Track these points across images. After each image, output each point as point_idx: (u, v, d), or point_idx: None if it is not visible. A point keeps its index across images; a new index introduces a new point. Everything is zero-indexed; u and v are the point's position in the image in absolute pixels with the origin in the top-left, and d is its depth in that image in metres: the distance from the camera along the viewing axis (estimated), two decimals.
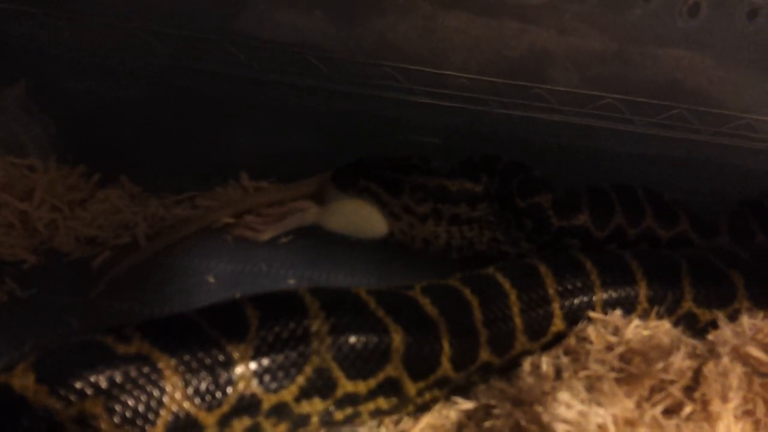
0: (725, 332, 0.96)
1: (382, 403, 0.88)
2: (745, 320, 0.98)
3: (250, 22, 1.38)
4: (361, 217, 1.29)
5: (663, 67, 1.47)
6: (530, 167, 1.28)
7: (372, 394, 0.86)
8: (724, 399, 0.88)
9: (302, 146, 1.50)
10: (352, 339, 0.84)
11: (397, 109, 1.47)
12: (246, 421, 0.80)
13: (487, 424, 0.89)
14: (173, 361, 0.76)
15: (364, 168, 1.33)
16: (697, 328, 1.05)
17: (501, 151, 1.47)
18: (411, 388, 0.89)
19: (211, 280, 1.15)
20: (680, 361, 0.92)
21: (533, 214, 1.22)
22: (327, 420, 0.86)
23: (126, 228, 1.20)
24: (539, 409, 0.84)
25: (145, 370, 0.75)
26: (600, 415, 0.81)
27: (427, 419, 0.93)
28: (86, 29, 1.38)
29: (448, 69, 1.45)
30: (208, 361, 0.78)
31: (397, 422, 0.94)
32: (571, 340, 1.00)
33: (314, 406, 0.83)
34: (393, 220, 1.27)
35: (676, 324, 1.04)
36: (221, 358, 0.79)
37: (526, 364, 0.96)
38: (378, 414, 0.89)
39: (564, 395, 0.83)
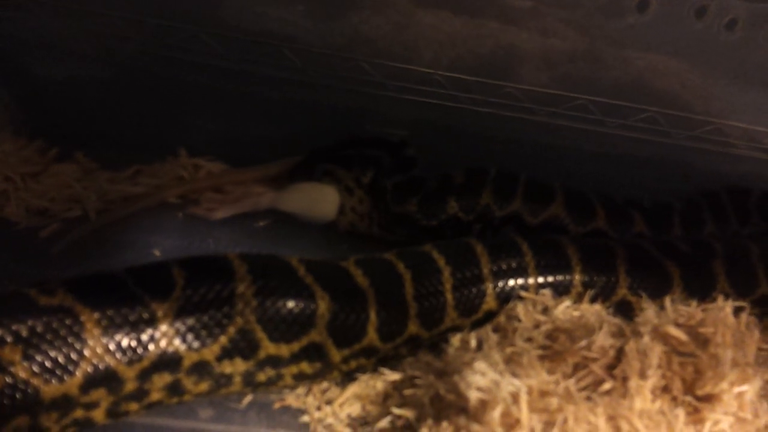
0: (648, 313, 0.98)
1: (306, 367, 0.89)
2: (668, 302, 1.00)
3: (230, 13, 1.39)
4: (314, 199, 1.31)
5: (635, 70, 1.49)
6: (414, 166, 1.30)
7: (295, 358, 0.88)
8: (642, 376, 0.90)
9: (268, 134, 1.52)
10: (277, 302, 0.86)
11: (366, 102, 1.48)
12: (166, 377, 0.82)
13: (408, 392, 0.91)
14: (96, 315, 0.78)
15: (318, 154, 1.36)
16: (632, 316, 1.07)
17: (470, 147, 1.50)
18: (335, 354, 0.91)
19: (157, 254, 1.17)
20: (603, 339, 0.94)
21: (404, 221, 1.25)
22: (249, 381, 0.87)
23: (78, 202, 1.22)
24: (457, 378, 0.85)
25: (67, 321, 0.77)
26: (513, 384, 0.83)
27: (353, 389, 0.95)
28: (60, 14, 1.39)
29: (419, 64, 1.46)
30: (131, 316, 0.80)
31: (324, 391, 0.96)
32: (501, 318, 1.02)
33: (236, 367, 0.85)
34: (347, 196, 1.29)
35: (610, 310, 1.06)
36: (144, 314, 0.80)
37: (455, 340, 0.98)
38: (301, 378, 0.91)
39: (480, 365, 0.85)
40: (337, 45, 1.42)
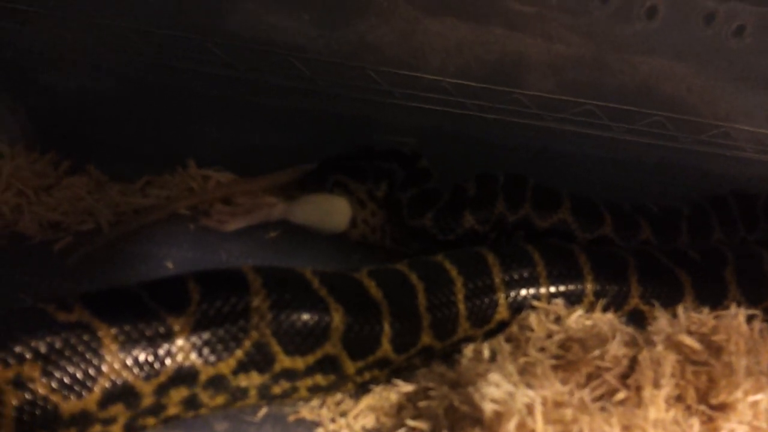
0: (661, 322, 0.98)
1: (320, 379, 0.90)
2: (681, 311, 1.00)
3: (237, 23, 1.40)
4: (326, 211, 1.31)
5: (642, 75, 1.49)
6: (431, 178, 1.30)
7: (310, 371, 0.88)
8: (656, 385, 0.90)
9: (276, 143, 1.52)
10: (292, 316, 0.87)
11: (373, 110, 1.48)
12: (183, 392, 0.82)
13: (422, 404, 0.91)
14: (113, 330, 0.79)
15: (330, 164, 1.36)
16: (644, 325, 1.07)
17: (478, 154, 1.50)
18: (350, 366, 0.91)
19: (170, 266, 1.18)
20: (616, 349, 0.94)
21: (419, 235, 1.25)
22: (265, 394, 0.88)
23: (90, 214, 1.23)
24: (471, 389, 0.86)
25: (85, 337, 0.78)
26: (528, 396, 0.83)
27: (367, 400, 0.96)
28: (69, 26, 1.40)
29: (425, 72, 1.47)
30: (147, 331, 0.80)
31: (338, 403, 0.96)
32: (514, 328, 1.02)
33: (252, 380, 0.86)
34: (359, 209, 1.30)
35: (622, 320, 1.06)
36: (161, 329, 0.81)
37: (468, 350, 0.99)
38: (316, 390, 0.91)
39: (495, 376, 0.86)
40: (343, 53, 1.42)
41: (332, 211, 1.31)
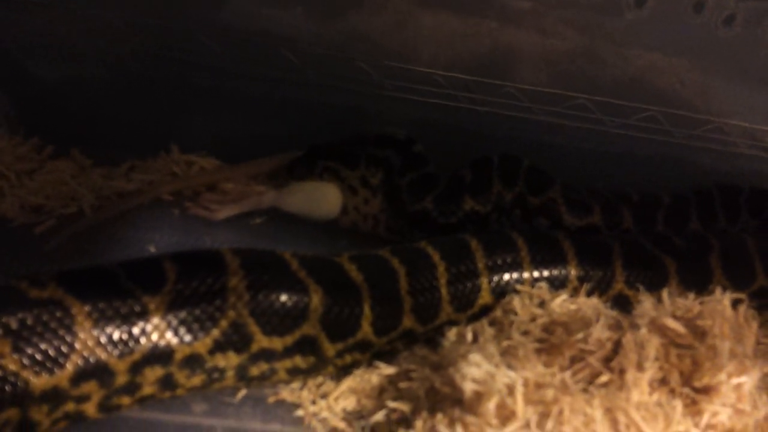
0: (645, 305, 0.97)
1: (299, 361, 0.89)
2: (666, 295, 1.00)
3: (228, 14, 1.39)
4: (317, 198, 1.30)
5: (635, 68, 1.48)
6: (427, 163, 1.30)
7: (288, 352, 0.87)
8: (640, 368, 0.89)
9: (265, 133, 1.51)
10: (270, 296, 0.86)
11: (364, 101, 1.47)
12: (158, 371, 0.81)
13: (403, 385, 0.91)
14: (86, 308, 0.78)
15: (319, 150, 1.35)
16: (629, 310, 1.06)
17: (470, 147, 1.49)
18: (329, 348, 0.90)
19: (153, 250, 1.17)
20: (600, 332, 0.93)
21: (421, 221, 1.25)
22: (243, 375, 0.87)
23: (73, 198, 1.22)
24: (452, 370, 0.85)
25: (58, 314, 0.77)
26: (509, 376, 0.82)
27: (348, 383, 0.95)
28: (58, 15, 1.39)
29: (417, 64, 1.46)
30: (122, 309, 0.79)
31: (319, 385, 0.95)
32: (498, 312, 1.01)
33: (229, 360, 0.85)
34: (350, 196, 1.29)
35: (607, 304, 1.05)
36: (136, 307, 0.80)
37: (451, 333, 0.98)
38: (295, 372, 0.90)
39: (476, 357, 0.85)
40: (335, 45, 1.41)
41: (323, 199, 1.30)
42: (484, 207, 1.24)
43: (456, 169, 1.33)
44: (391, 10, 1.41)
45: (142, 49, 1.39)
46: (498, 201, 1.25)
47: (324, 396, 0.94)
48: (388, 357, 0.97)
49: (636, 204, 1.32)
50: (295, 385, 0.94)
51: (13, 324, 0.74)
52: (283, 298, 0.86)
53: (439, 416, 0.82)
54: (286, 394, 0.93)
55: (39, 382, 0.74)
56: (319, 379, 0.95)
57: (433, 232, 1.23)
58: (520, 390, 0.81)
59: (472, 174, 1.29)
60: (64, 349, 0.76)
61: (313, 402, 0.93)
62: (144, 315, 0.80)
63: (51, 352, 0.75)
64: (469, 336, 0.95)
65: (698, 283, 1.09)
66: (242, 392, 0.92)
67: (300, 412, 0.92)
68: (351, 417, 0.91)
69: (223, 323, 0.83)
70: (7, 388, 0.72)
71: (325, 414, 0.91)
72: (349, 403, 0.93)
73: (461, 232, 1.14)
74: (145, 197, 1.24)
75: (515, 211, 1.26)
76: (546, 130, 1.53)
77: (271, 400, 0.92)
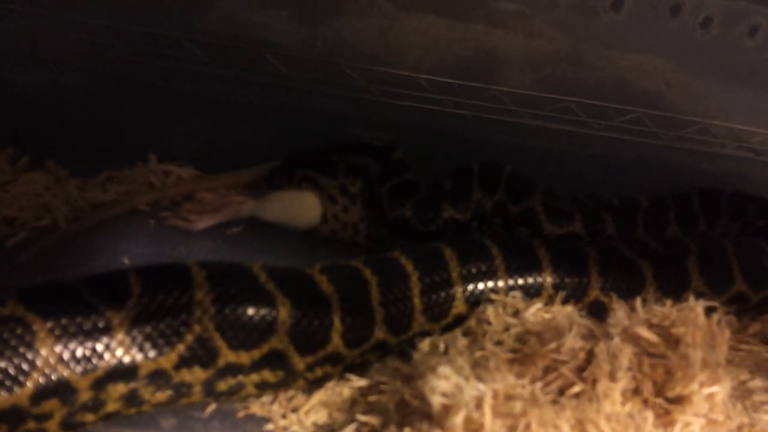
0: (619, 314, 0.96)
1: (268, 375, 0.88)
2: (639, 303, 0.99)
3: (214, 20, 1.39)
4: (296, 207, 1.30)
5: (619, 70, 1.48)
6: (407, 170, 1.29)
7: (256, 366, 0.86)
8: (612, 378, 0.88)
9: (249, 139, 1.51)
10: (237, 309, 0.85)
11: (349, 106, 1.48)
12: (122, 387, 0.80)
13: (373, 398, 0.90)
14: (48, 324, 0.77)
15: (297, 159, 1.35)
16: (605, 317, 1.05)
17: (454, 150, 1.49)
18: (299, 362, 0.89)
19: (126, 261, 1.16)
20: (573, 341, 0.92)
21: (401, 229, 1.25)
22: (210, 390, 0.86)
23: (48, 210, 1.21)
24: (421, 383, 0.84)
25: (18, 331, 0.76)
26: (477, 389, 0.81)
27: (319, 396, 0.94)
28: (34, 21, 1.38)
29: (402, 68, 1.46)
30: (85, 325, 0.78)
31: (290, 399, 0.94)
32: (472, 322, 1.00)
33: (195, 375, 0.84)
34: (330, 204, 1.28)
35: (583, 312, 1.04)
36: (99, 323, 0.79)
37: (424, 344, 0.96)
38: (264, 387, 0.89)
39: (445, 369, 0.83)
40: (320, 50, 1.42)
41: (302, 207, 1.30)
42: (463, 215, 1.24)
43: (437, 176, 1.33)
44: (376, 14, 1.41)
45: (123, 56, 1.39)
46: (478, 209, 1.25)
47: (294, 410, 0.92)
48: (360, 369, 0.96)
49: (616, 209, 1.31)
50: (266, 398, 0.93)
51: None
52: (250, 311, 0.85)
53: (407, 430, 0.81)
54: (256, 408, 0.92)
55: None
56: (290, 392, 0.94)
57: (413, 240, 1.22)
58: (488, 403, 0.80)
59: (452, 181, 1.28)
60: (24, 366, 0.75)
61: (284, 416, 0.92)
62: (107, 330, 0.79)
63: (11, 370, 0.74)
64: (441, 347, 0.94)
65: (676, 289, 1.09)
66: (211, 407, 0.91)
67: (270, 426, 0.91)
68: (321, 431, 0.90)
69: (189, 338, 0.82)
70: None
71: (295, 428, 0.90)
72: (320, 416, 0.92)
73: (440, 240, 1.13)
74: (121, 208, 1.23)
75: (495, 219, 1.25)
76: (531, 133, 1.53)
77: (241, 414, 0.91)
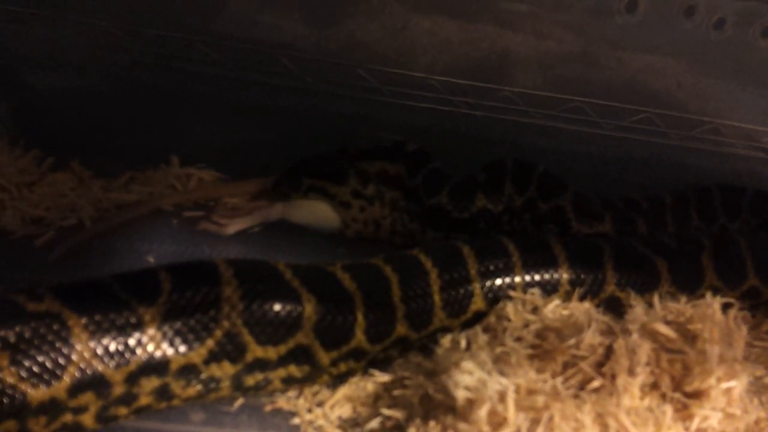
0: (637, 310, 0.98)
1: (294, 370, 0.90)
2: (657, 300, 1.00)
3: (228, 22, 1.40)
4: (315, 213, 1.32)
5: (630, 71, 1.49)
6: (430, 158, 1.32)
7: (283, 361, 0.89)
8: (631, 373, 0.90)
9: (264, 141, 1.53)
10: (264, 305, 0.87)
11: (362, 108, 1.49)
12: (154, 381, 0.82)
13: (397, 393, 0.92)
14: (83, 320, 0.79)
15: (305, 167, 1.36)
16: (621, 312, 1.07)
17: (466, 151, 1.50)
18: (324, 357, 0.91)
19: (152, 260, 1.18)
20: (592, 337, 0.94)
21: (436, 216, 1.28)
22: (238, 385, 0.88)
23: (73, 210, 1.24)
24: (445, 377, 0.86)
25: (54, 326, 0.78)
26: (501, 383, 0.83)
27: (343, 390, 0.96)
28: (57, 25, 1.40)
29: (414, 69, 1.48)
30: (118, 321, 0.81)
31: (315, 394, 0.96)
32: (492, 318, 1.02)
33: (224, 370, 0.86)
34: (343, 210, 1.30)
35: (599, 308, 1.06)
36: (132, 319, 0.81)
37: (445, 340, 0.99)
38: (291, 382, 0.91)
39: (468, 364, 0.86)
40: (333, 51, 1.43)
41: (328, 210, 1.32)
42: (495, 206, 1.28)
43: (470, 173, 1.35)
44: (388, 16, 1.42)
45: (142, 59, 1.41)
46: (509, 203, 1.28)
47: (320, 404, 0.95)
48: (383, 364, 0.98)
49: (646, 211, 1.33)
50: (292, 393, 0.96)
51: (11, 337, 0.76)
52: (277, 307, 0.87)
53: (432, 423, 0.83)
54: (282, 402, 0.94)
55: (37, 394, 0.75)
56: (315, 387, 0.96)
57: (447, 229, 1.27)
58: (511, 397, 0.82)
59: (485, 175, 1.32)
60: (61, 361, 0.77)
61: (309, 410, 0.94)
62: (140, 326, 0.81)
63: (48, 365, 0.77)
64: (463, 343, 0.96)
65: (690, 284, 1.10)
66: (239, 401, 0.93)
67: (296, 420, 0.93)
68: (347, 425, 0.92)
69: (218, 333, 0.84)
70: (5, 400, 0.74)
71: (321, 422, 0.92)
72: (345, 410, 0.94)
73: (474, 229, 1.15)
74: (145, 208, 1.25)
75: (525, 215, 1.28)
76: (542, 133, 1.54)
77: (268, 408, 0.94)
